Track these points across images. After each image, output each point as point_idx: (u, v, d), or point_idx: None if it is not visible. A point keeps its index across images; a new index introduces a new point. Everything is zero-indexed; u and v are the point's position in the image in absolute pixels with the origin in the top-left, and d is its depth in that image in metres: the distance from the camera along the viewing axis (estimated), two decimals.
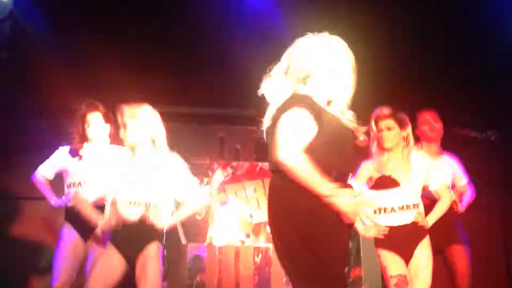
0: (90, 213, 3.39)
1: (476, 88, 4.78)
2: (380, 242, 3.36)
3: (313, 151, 2.14)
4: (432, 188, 3.46)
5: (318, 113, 2.18)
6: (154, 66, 4.70)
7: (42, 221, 4.60)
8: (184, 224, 5.30)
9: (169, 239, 4.87)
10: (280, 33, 4.40)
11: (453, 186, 3.89)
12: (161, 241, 3.17)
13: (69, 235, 3.67)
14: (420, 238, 3.32)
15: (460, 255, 3.66)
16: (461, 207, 3.84)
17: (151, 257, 3.09)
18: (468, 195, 3.94)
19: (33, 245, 4.39)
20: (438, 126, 3.91)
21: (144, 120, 3.23)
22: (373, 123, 3.43)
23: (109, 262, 3.09)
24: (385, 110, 3.43)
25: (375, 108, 3.47)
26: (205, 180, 5.36)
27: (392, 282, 3.24)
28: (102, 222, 3.25)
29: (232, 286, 4.81)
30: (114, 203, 3.21)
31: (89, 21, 4.49)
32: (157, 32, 4.62)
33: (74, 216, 3.65)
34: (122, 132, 3.27)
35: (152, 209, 3.14)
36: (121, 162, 3.35)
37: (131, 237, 3.11)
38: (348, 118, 2.30)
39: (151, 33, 4.63)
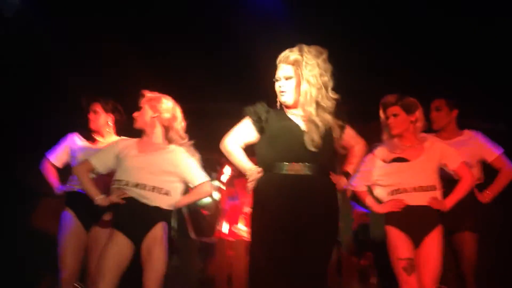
0: (89, 187, 3.27)
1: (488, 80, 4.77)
2: (391, 219, 3.30)
3: (260, 148, 2.86)
4: (451, 168, 3.37)
5: (259, 121, 2.85)
6: (164, 63, 4.73)
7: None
8: (193, 219, 5.34)
9: (180, 232, 4.93)
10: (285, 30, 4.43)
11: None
12: (167, 221, 3.21)
13: (71, 223, 3.66)
14: (433, 225, 3.24)
15: (468, 242, 3.61)
16: (486, 197, 3.69)
17: (157, 239, 3.13)
18: (504, 172, 3.73)
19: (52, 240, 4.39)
20: (449, 113, 3.83)
21: (159, 107, 3.27)
22: (381, 111, 3.43)
23: (117, 247, 3.10)
24: (391, 97, 3.41)
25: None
26: (214, 175, 5.38)
27: (401, 264, 3.19)
28: (101, 197, 3.21)
29: (242, 280, 4.83)
30: (118, 183, 3.19)
31: (101, 19, 4.51)
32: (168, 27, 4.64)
33: (75, 201, 3.67)
34: (136, 113, 3.32)
35: (158, 192, 3.16)
36: (129, 146, 3.32)
37: (136, 218, 3.13)
38: (298, 115, 2.84)
39: (161, 26, 4.64)
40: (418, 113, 3.39)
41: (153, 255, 3.10)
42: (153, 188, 3.16)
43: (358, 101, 3.97)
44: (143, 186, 3.15)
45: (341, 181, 2.89)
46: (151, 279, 3.08)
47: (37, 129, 4.88)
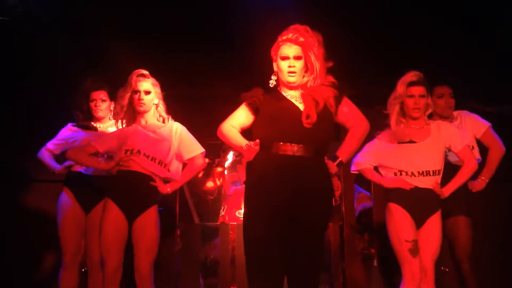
0: (90, 160, 3.39)
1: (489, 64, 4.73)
2: (395, 197, 3.27)
3: (257, 127, 2.87)
4: (454, 150, 3.34)
5: (253, 103, 2.86)
6: (163, 47, 4.71)
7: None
8: (196, 204, 5.36)
9: (183, 217, 4.95)
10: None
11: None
12: (161, 206, 3.32)
13: (69, 205, 3.68)
14: (435, 209, 3.26)
15: (462, 226, 3.61)
16: (480, 184, 3.66)
17: (151, 221, 3.23)
18: (493, 150, 3.69)
19: (46, 225, 4.37)
20: (452, 101, 3.79)
21: (151, 88, 3.37)
22: (404, 88, 3.28)
23: (115, 224, 3.19)
24: (415, 76, 3.29)
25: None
26: (217, 160, 5.39)
27: (407, 246, 3.17)
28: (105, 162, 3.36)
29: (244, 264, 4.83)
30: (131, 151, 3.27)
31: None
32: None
33: (74, 182, 3.71)
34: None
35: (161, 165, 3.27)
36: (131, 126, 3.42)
37: (133, 196, 3.22)
38: (292, 97, 2.87)
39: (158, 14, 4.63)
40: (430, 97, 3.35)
41: (146, 236, 3.19)
42: (159, 162, 3.27)
43: (359, 85, 3.91)
44: (153, 158, 3.26)
45: (330, 167, 2.87)
46: (143, 260, 3.17)
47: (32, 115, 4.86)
